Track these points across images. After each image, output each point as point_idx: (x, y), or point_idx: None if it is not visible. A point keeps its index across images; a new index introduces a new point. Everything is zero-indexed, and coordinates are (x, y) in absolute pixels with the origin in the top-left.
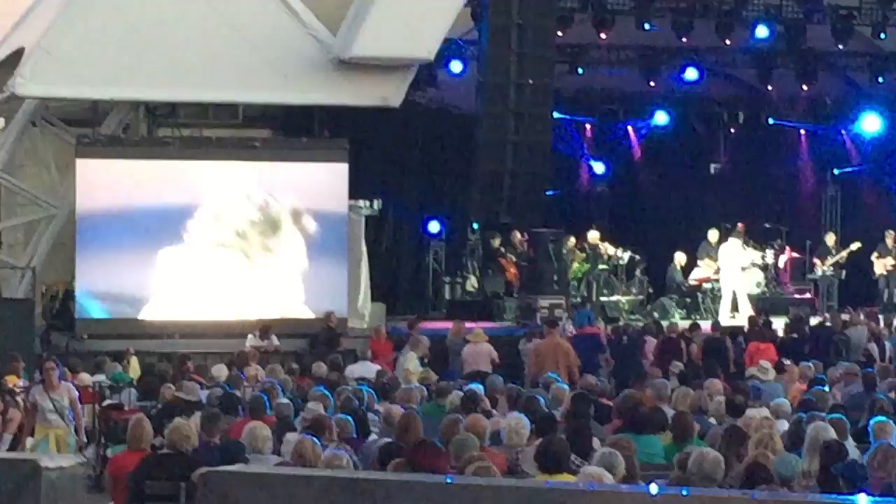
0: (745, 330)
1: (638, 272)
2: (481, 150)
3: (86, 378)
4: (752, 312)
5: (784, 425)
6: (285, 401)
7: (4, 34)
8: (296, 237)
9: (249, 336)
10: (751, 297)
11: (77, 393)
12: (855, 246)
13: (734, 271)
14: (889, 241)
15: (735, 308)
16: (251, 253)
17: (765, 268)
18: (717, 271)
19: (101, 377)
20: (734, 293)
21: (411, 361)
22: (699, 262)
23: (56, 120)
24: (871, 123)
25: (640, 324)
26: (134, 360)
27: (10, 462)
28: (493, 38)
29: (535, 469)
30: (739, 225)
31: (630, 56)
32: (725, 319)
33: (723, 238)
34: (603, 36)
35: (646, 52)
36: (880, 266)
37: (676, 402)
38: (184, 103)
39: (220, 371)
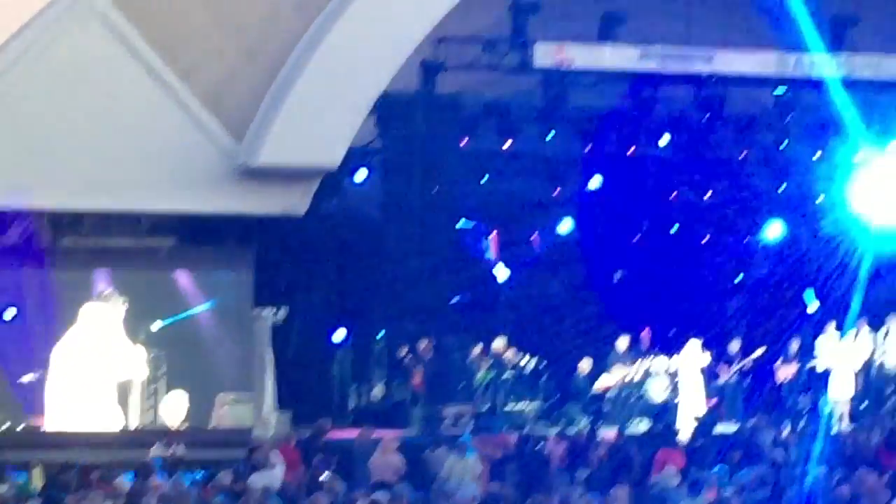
0: (651, 437)
1: (543, 379)
2: (386, 257)
3: None
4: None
5: None
6: None
7: None
8: (201, 345)
9: (154, 445)
10: (656, 404)
11: None
12: (758, 352)
13: (693, 377)
14: (794, 348)
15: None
16: (157, 361)
17: (670, 374)
18: (625, 377)
19: (3, 487)
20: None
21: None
22: (610, 368)
23: None
24: (774, 230)
25: (547, 431)
26: (37, 471)
27: None
28: (397, 146)
29: None
30: (645, 331)
31: (534, 164)
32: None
33: (630, 344)
34: (507, 144)
35: (549, 160)
36: (783, 373)
37: None
38: (87, 213)
39: (125, 481)
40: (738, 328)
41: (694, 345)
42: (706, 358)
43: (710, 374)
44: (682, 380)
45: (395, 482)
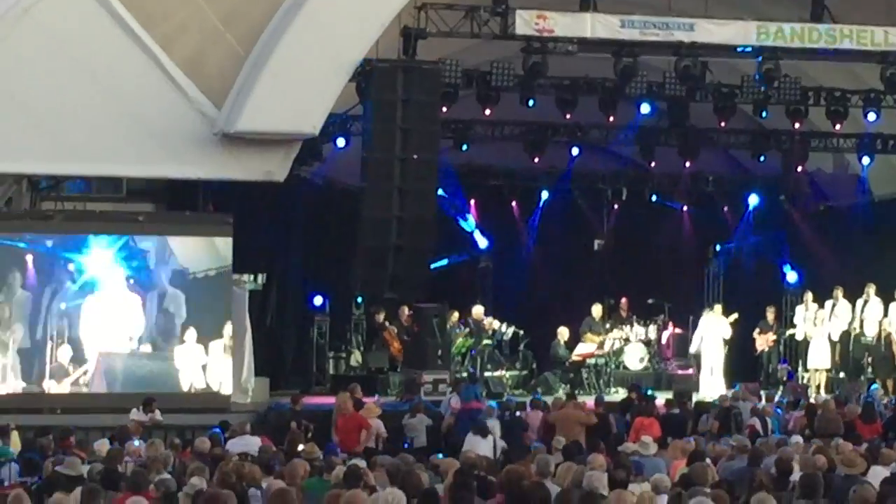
0: (628, 405)
1: (522, 347)
2: (365, 224)
3: None
4: (723, 388)
5: (664, 500)
6: (167, 476)
7: None
8: (179, 312)
9: (133, 410)
10: (634, 373)
11: None
12: (732, 317)
13: (716, 344)
14: (770, 317)
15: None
16: (135, 327)
17: (647, 343)
18: (601, 346)
19: None
20: (712, 368)
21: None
22: (583, 337)
23: None
24: (752, 200)
25: (525, 399)
26: (15, 435)
27: None
28: (377, 112)
29: None
30: (623, 300)
31: (514, 132)
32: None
33: (607, 313)
34: (487, 112)
35: (530, 128)
36: (762, 342)
37: (559, 477)
38: (67, 176)
39: (102, 445)
40: (717, 297)
41: (717, 311)
42: (727, 325)
43: (688, 342)
44: (704, 347)
45: (373, 448)
